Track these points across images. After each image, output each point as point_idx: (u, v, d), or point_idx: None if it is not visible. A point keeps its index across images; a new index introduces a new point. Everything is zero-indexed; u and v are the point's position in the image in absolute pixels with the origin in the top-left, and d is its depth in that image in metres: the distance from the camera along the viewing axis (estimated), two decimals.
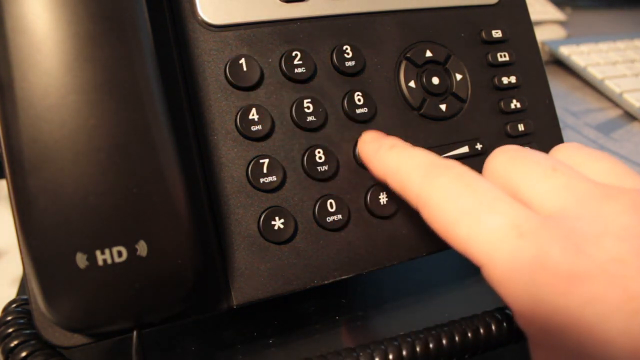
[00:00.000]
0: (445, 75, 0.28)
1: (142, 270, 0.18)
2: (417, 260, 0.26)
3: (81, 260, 0.18)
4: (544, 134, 0.30)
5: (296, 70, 0.25)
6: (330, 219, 0.24)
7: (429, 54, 0.28)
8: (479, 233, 0.17)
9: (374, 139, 0.24)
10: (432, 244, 0.26)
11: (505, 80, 0.29)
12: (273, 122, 0.24)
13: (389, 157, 0.22)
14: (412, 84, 0.27)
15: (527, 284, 0.15)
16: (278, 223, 0.23)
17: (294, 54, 0.25)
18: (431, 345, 0.22)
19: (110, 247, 0.18)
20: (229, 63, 0.24)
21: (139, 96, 0.19)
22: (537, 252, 0.15)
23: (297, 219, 0.24)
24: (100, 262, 0.18)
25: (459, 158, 0.27)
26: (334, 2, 0.27)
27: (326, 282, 0.24)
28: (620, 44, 0.58)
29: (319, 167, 0.24)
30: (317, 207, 0.24)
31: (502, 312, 0.23)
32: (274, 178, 0.24)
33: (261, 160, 0.24)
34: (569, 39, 0.59)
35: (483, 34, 0.29)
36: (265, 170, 0.24)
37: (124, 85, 0.19)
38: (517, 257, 0.16)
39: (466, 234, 0.17)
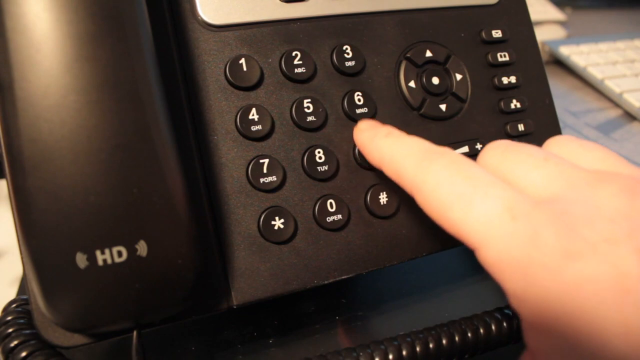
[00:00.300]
0: (445, 75, 0.28)
1: (142, 270, 0.18)
2: (417, 260, 0.26)
3: (81, 260, 0.18)
4: (543, 134, 0.30)
5: (296, 70, 0.25)
6: (330, 219, 0.24)
7: (429, 54, 0.28)
8: (472, 216, 0.17)
9: (369, 127, 0.24)
10: (432, 244, 0.26)
11: (505, 80, 0.29)
12: (273, 122, 0.24)
13: (384, 144, 0.22)
14: (412, 84, 0.27)
15: (520, 264, 0.15)
16: (278, 223, 0.23)
17: (294, 54, 0.25)
18: (431, 345, 0.22)
19: (110, 247, 0.18)
20: (229, 63, 0.24)
21: (139, 96, 0.19)
22: (530, 233, 0.15)
23: (297, 219, 0.24)
24: (100, 262, 0.18)
25: None
26: (334, 2, 0.27)
27: (326, 282, 0.24)
28: (620, 44, 0.58)
29: (319, 167, 0.24)
30: (317, 207, 0.24)
31: (502, 312, 0.23)
32: (274, 178, 0.24)
33: (261, 160, 0.24)
34: (569, 39, 0.59)
35: (483, 34, 0.29)
36: (265, 170, 0.24)
37: (124, 85, 0.19)
38: (510, 239, 0.16)
39: (460, 217, 0.17)
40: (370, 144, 0.23)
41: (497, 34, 0.30)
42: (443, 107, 0.27)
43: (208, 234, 0.23)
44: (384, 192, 0.25)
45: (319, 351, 0.22)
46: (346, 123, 0.26)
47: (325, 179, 0.25)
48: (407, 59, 0.27)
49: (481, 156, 0.20)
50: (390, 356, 0.21)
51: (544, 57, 0.58)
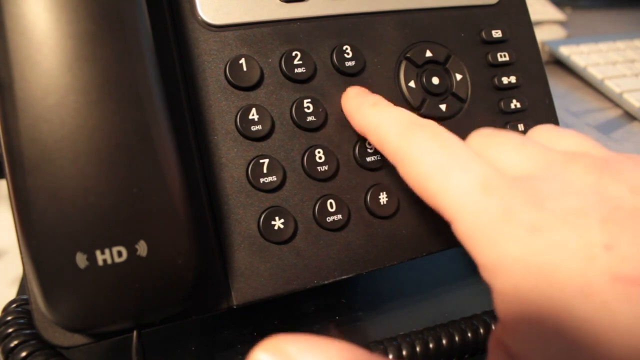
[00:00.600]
0: (445, 75, 0.28)
1: (142, 270, 0.18)
2: (417, 260, 0.26)
3: (81, 260, 0.18)
4: None
5: (296, 70, 0.25)
6: (330, 219, 0.24)
7: (429, 54, 0.28)
8: (449, 188, 0.17)
9: (357, 95, 0.25)
10: (432, 244, 0.26)
11: (505, 80, 0.29)
12: (273, 122, 0.24)
13: (370, 113, 0.23)
14: (412, 84, 0.27)
15: (491, 236, 0.16)
16: (278, 223, 0.23)
17: (294, 54, 0.25)
18: (431, 345, 0.22)
19: (110, 247, 0.18)
20: (229, 63, 0.24)
21: (139, 96, 0.19)
22: (502, 207, 0.16)
23: (297, 218, 0.24)
24: (100, 262, 0.18)
25: None
26: (334, 2, 0.27)
27: (326, 282, 0.24)
28: (620, 44, 0.58)
29: (319, 167, 0.24)
30: (317, 207, 0.24)
31: None
32: (274, 178, 0.24)
33: (261, 160, 0.24)
34: (569, 39, 0.59)
35: (483, 34, 0.29)
36: (265, 170, 0.24)
37: (124, 85, 0.19)
38: (482, 212, 0.16)
39: (438, 188, 0.18)
40: (356, 112, 0.24)
41: (497, 34, 0.30)
42: (443, 107, 0.27)
43: (208, 234, 0.23)
44: (384, 192, 0.25)
45: None
46: (346, 123, 0.25)
47: (325, 179, 0.25)
48: (407, 59, 0.27)
49: (466, 141, 0.21)
50: (390, 356, 0.21)
51: (544, 57, 0.58)
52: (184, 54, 0.24)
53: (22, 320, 0.22)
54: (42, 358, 0.21)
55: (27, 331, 0.22)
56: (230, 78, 0.24)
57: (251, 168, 0.24)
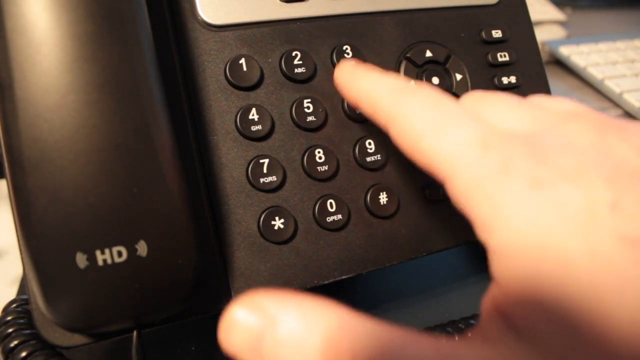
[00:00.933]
0: (445, 75, 0.28)
1: (142, 270, 0.18)
2: (417, 260, 0.26)
3: (81, 260, 0.18)
4: None
5: (296, 70, 0.25)
6: (330, 219, 0.24)
7: (429, 54, 0.28)
8: (444, 144, 0.17)
9: (349, 66, 0.24)
10: (432, 244, 0.26)
11: (505, 80, 0.29)
12: (273, 122, 0.24)
13: (362, 81, 0.22)
14: None
15: (488, 193, 0.15)
16: (278, 223, 0.23)
17: (294, 54, 0.25)
18: None
19: (110, 247, 0.18)
20: (229, 63, 0.24)
21: (139, 96, 0.19)
22: (500, 162, 0.15)
23: (297, 219, 0.24)
24: (100, 262, 0.18)
25: None
26: (334, 2, 0.27)
27: (326, 282, 0.24)
28: (620, 44, 0.58)
29: (319, 167, 0.24)
30: (317, 207, 0.24)
31: None
32: (274, 178, 0.24)
33: (261, 160, 0.24)
34: (569, 39, 0.59)
35: (483, 34, 0.29)
36: (265, 170, 0.24)
37: (124, 85, 0.19)
38: (480, 168, 0.16)
39: (431, 145, 0.17)
40: (349, 82, 0.23)
41: (497, 34, 0.30)
42: None
43: (208, 234, 0.23)
44: (384, 192, 0.25)
45: None
46: (346, 123, 0.25)
47: (325, 179, 0.25)
48: (407, 59, 0.27)
49: (459, 102, 0.21)
50: None
51: (544, 57, 0.58)
52: (184, 54, 0.24)
53: (22, 320, 0.22)
54: (42, 358, 0.21)
55: (27, 331, 0.22)
56: (230, 78, 0.24)
57: (251, 168, 0.24)
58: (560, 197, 0.14)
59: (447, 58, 0.28)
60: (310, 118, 0.25)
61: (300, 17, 0.26)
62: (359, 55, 0.26)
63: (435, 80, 0.28)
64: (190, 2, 0.24)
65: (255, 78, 0.24)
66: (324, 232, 0.24)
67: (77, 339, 0.21)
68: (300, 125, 0.25)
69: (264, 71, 0.25)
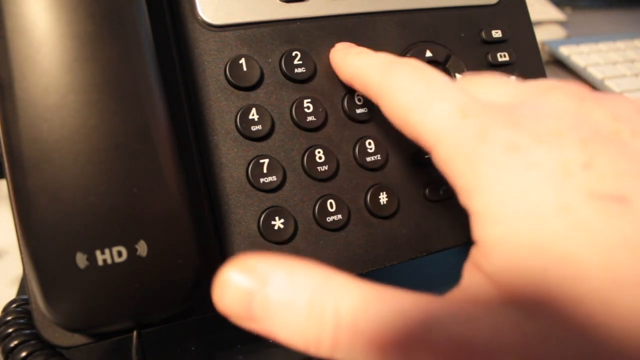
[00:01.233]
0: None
1: (142, 270, 0.18)
2: (417, 260, 0.26)
3: (81, 260, 0.18)
4: None
5: (296, 70, 0.25)
6: (330, 219, 0.24)
7: (429, 54, 0.28)
8: (429, 117, 0.18)
9: (344, 47, 0.25)
10: (432, 244, 0.26)
11: None
12: (273, 122, 0.24)
13: (355, 60, 0.23)
14: None
15: (468, 158, 0.16)
16: (278, 223, 0.23)
17: (294, 54, 0.25)
18: None
19: (110, 247, 0.18)
20: (229, 63, 0.24)
21: (139, 96, 0.19)
22: (479, 128, 0.16)
23: (297, 219, 0.24)
24: (100, 262, 0.18)
25: None
26: (334, 2, 0.27)
27: None
28: (620, 44, 0.58)
29: (319, 167, 0.24)
30: (317, 207, 0.24)
31: None
32: (274, 178, 0.24)
33: (261, 160, 0.24)
34: (569, 39, 0.59)
35: (483, 34, 0.29)
36: (265, 170, 0.24)
37: (124, 85, 0.19)
38: (460, 135, 0.17)
39: (418, 119, 0.18)
40: (342, 61, 0.24)
41: (497, 34, 0.30)
42: None
43: (208, 234, 0.23)
44: (384, 192, 0.25)
45: None
46: (346, 123, 0.26)
47: (325, 179, 0.25)
48: None
49: None
50: None
51: (544, 57, 0.58)
52: (184, 54, 0.24)
53: (22, 320, 0.22)
54: (42, 358, 0.21)
55: (27, 331, 0.22)
56: (230, 78, 0.24)
57: (251, 168, 0.24)
58: (535, 159, 0.15)
59: (447, 58, 0.28)
60: (310, 118, 0.25)
61: (300, 17, 0.26)
62: None
63: None
64: (190, 2, 0.24)
65: (255, 78, 0.24)
66: (324, 232, 0.24)
67: (77, 339, 0.21)
68: (300, 125, 0.25)
69: (264, 71, 0.25)
